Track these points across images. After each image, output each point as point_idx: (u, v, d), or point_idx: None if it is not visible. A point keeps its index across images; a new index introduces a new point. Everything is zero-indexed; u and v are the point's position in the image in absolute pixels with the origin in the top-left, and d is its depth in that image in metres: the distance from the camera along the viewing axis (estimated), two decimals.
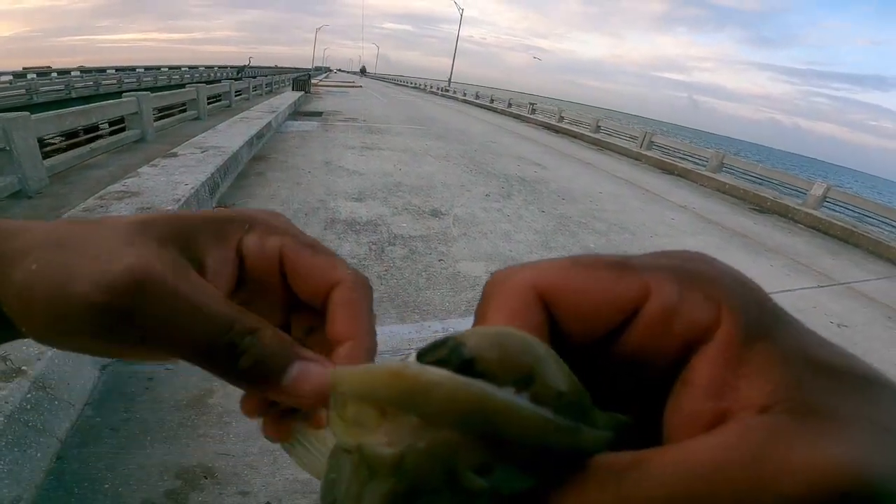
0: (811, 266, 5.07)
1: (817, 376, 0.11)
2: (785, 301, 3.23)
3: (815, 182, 8.25)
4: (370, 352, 0.19)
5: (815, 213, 7.44)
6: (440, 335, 0.12)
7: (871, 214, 7.55)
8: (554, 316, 0.13)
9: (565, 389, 0.11)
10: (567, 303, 0.13)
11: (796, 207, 7.66)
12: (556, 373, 0.11)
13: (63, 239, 0.18)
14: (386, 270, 3.31)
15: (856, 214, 7.71)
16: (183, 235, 0.19)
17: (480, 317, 0.14)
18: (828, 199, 7.88)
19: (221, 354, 0.17)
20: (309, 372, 0.17)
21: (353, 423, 0.12)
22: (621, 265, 0.13)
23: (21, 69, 21.79)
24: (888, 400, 0.11)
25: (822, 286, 4.45)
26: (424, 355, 0.12)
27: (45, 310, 0.16)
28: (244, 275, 0.20)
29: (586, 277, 0.13)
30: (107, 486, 1.53)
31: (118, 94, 8.03)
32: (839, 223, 6.99)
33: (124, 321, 0.16)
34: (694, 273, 0.12)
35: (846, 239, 6.65)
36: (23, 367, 1.63)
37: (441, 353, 0.12)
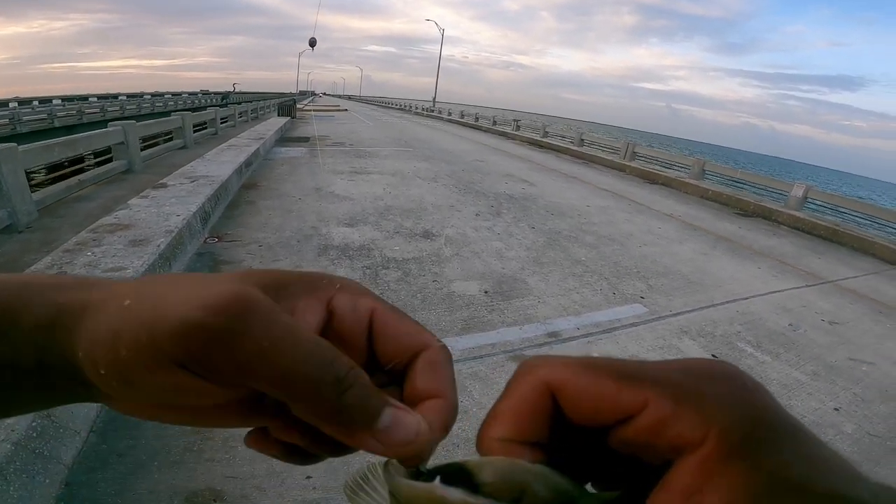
0: (798, 266, 5.18)
1: (777, 496, 0.13)
2: (775, 302, 3.28)
3: (794, 184, 8.46)
4: (455, 409, 0.19)
5: (797, 214, 7.62)
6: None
7: (850, 212, 7.75)
8: (561, 405, 0.16)
9: (551, 496, 0.15)
10: (571, 399, 0.16)
11: (779, 210, 7.83)
12: (544, 486, 0.16)
13: (157, 280, 0.17)
14: (381, 294, 3.31)
15: (836, 213, 7.91)
16: (278, 284, 0.19)
17: (505, 391, 0.17)
18: (809, 200, 8.07)
19: (328, 388, 0.16)
20: (402, 420, 0.17)
21: None
22: (628, 376, 0.15)
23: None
24: None
25: (810, 285, 4.54)
26: (448, 480, 0.16)
27: (133, 339, 0.15)
28: (329, 332, 0.20)
29: (591, 382, 0.15)
30: None
31: (102, 123, 7.94)
32: (823, 223, 7.15)
33: (221, 345, 0.15)
34: (695, 392, 0.15)
35: (831, 238, 6.80)
36: None
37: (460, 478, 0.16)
